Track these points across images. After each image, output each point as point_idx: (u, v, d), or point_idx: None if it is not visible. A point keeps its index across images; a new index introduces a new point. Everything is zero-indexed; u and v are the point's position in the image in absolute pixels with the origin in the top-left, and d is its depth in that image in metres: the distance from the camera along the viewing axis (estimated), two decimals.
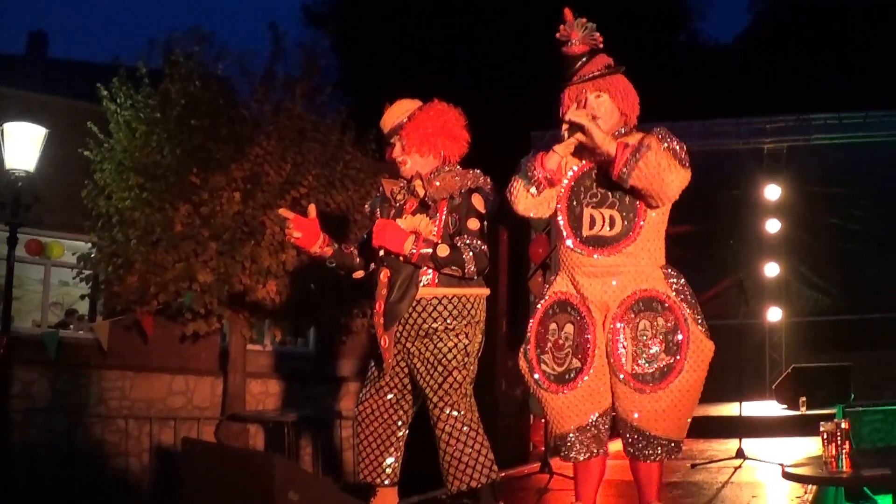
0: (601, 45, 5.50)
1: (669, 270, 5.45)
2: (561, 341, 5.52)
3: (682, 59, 32.67)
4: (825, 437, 5.13)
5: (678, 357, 5.22)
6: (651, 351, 5.26)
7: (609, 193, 5.36)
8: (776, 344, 17.81)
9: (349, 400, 18.22)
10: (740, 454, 9.67)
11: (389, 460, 6.21)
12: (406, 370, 6.15)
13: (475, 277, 5.95)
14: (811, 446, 9.96)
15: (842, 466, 5.03)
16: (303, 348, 20.36)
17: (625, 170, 5.01)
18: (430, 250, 5.84)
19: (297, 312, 15.82)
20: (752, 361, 16.52)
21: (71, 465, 15.67)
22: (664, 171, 5.03)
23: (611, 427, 5.57)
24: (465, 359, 5.95)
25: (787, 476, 5.40)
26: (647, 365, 5.25)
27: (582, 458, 5.52)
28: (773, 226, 17.40)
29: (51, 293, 18.16)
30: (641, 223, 5.33)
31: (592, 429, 5.48)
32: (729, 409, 12.36)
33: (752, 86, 29.75)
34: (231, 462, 5.19)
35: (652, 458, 5.33)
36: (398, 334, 6.04)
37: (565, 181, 5.51)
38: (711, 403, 13.36)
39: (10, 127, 13.89)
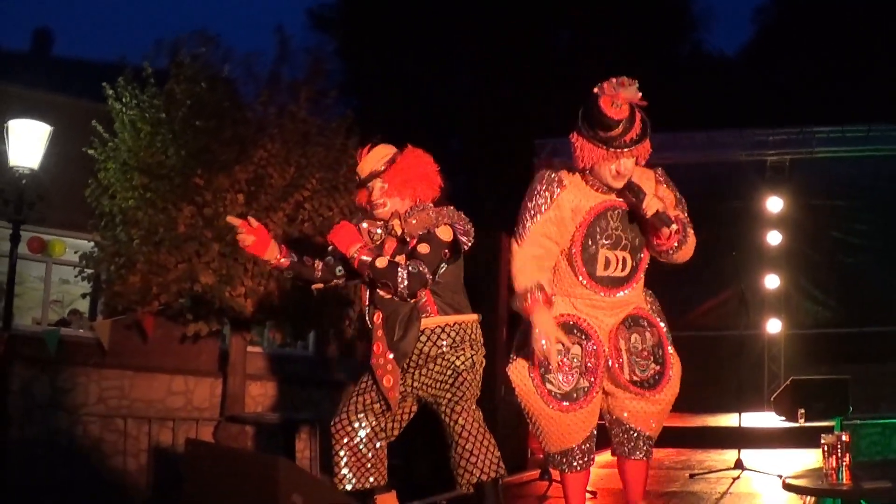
0: (638, 100, 5.46)
1: (647, 294, 6.11)
2: (567, 361, 5.76)
3: (685, 70, 32.66)
4: (826, 449, 5.15)
5: (665, 365, 5.85)
6: (643, 361, 5.82)
7: (622, 236, 5.73)
8: (775, 356, 17.78)
9: None
10: (739, 465, 9.68)
11: (374, 476, 6.35)
12: (416, 397, 6.36)
13: (405, 296, 6.09)
14: (809, 458, 9.99)
15: (842, 479, 5.05)
16: (303, 351, 20.38)
17: (676, 246, 5.63)
18: (370, 259, 6.05)
19: (297, 315, 15.83)
20: (751, 373, 16.53)
21: (69, 464, 15.70)
22: (692, 246, 5.74)
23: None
24: (473, 367, 6.23)
25: (788, 487, 5.42)
26: (641, 373, 5.79)
27: (580, 469, 5.88)
28: (774, 238, 17.37)
29: (51, 291, 18.19)
30: (645, 261, 5.90)
31: (591, 440, 5.88)
32: (728, 420, 12.39)
33: (756, 98, 29.73)
34: (234, 464, 5.21)
35: (638, 455, 5.88)
36: (408, 365, 6.21)
37: (580, 220, 5.69)
38: (711, 414, 13.37)
39: (14, 124, 13.91)
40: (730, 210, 16.98)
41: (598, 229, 5.70)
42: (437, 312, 6.18)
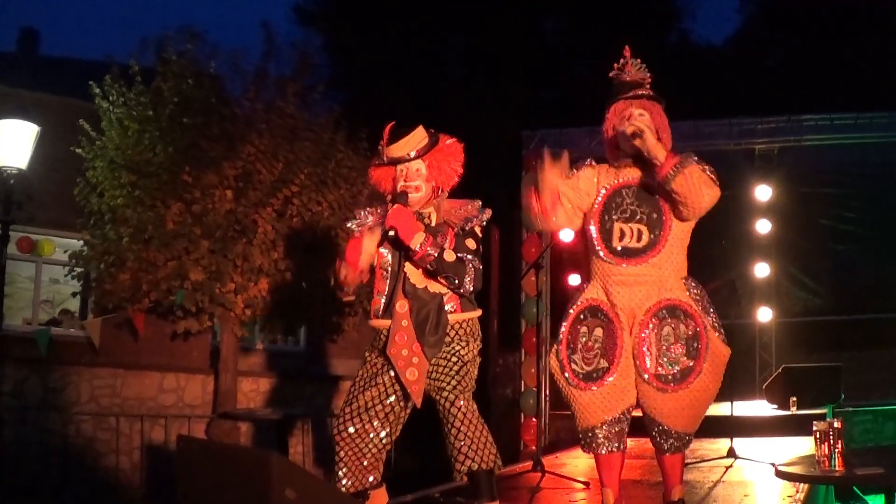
0: (649, 83, 6.22)
1: (690, 281, 6.11)
2: (591, 343, 6.10)
3: (672, 60, 32.60)
4: (818, 436, 5.15)
5: (697, 360, 5.90)
6: (673, 354, 5.92)
7: (638, 210, 6.04)
8: (766, 344, 17.77)
9: (340, 398, 18.22)
10: (731, 453, 9.72)
11: (373, 475, 6.30)
12: (402, 391, 6.23)
13: (468, 293, 6.11)
14: (801, 446, 10.00)
15: (834, 465, 5.05)
16: (294, 347, 20.39)
17: (672, 172, 5.69)
18: (437, 252, 5.93)
19: (288, 311, 15.83)
20: (742, 361, 16.49)
21: (63, 464, 15.68)
22: (704, 183, 5.81)
23: (630, 425, 6.19)
24: (474, 359, 6.26)
25: (781, 475, 5.43)
26: (669, 367, 5.91)
27: (604, 452, 6.10)
28: (763, 226, 17.33)
29: (41, 291, 18.17)
30: (667, 237, 5.99)
31: (616, 425, 6.06)
32: (720, 409, 12.39)
33: (743, 86, 29.70)
34: (227, 459, 5.19)
35: (670, 450, 6.04)
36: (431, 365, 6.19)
37: (599, 198, 6.15)
38: None
39: (2, 124, 13.82)
40: (719, 199, 16.93)
41: (613, 205, 6.09)
42: (461, 309, 6.17)
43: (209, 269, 14.60)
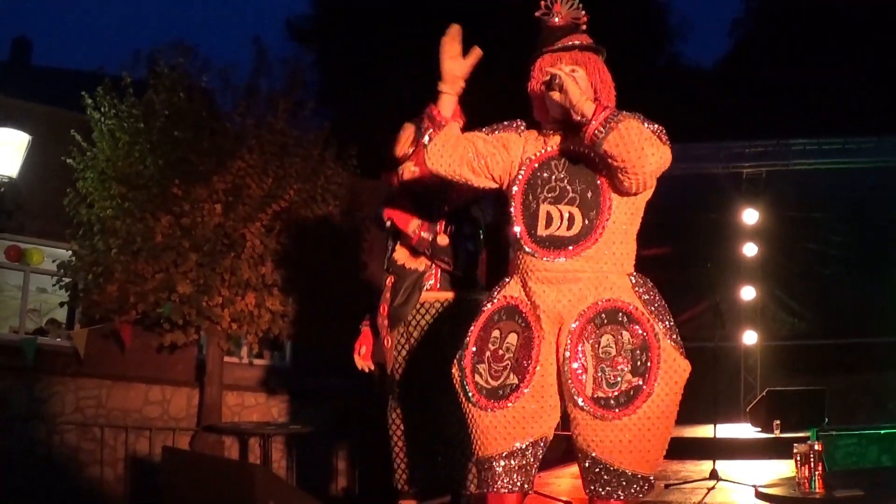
0: (584, 24, 4.85)
1: (638, 278, 4.65)
2: (501, 352, 4.67)
3: (662, 83, 32.70)
4: (798, 458, 5.17)
5: (647, 378, 4.36)
6: (615, 371, 4.41)
7: (569, 188, 4.63)
8: (751, 367, 17.79)
9: (325, 414, 18.21)
10: (714, 475, 9.71)
11: (413, 470, 6.33)
12: (412, 377, 6.30)
13: (461, 274, 6.17)
14: (784, 468, 10.02)
15: (814, 487, 5.07)
16: (280, 361, 20.34)
17: (601, 130, 4.30)
18: (431, 237, 6.12)
19: (274, 325, 15.82)
20: (727, 384, 16.52)
21: (47, 473, 15.63)
22: (645, 140, 4.36)
23: (541, 460, 4.73)
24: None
25: (761, 496, 5.46)
26: (609, 388, 4.39)
27: (504, 491, 4.61)
28: (750, 250, 17.39)
29: (29, 300, 18.15)
30: (605, 223, 4.57)
31: (520, 458, 4.63)
32: (703, 431, 12.40)
33: (732, 110, 29.81)
34: (211, 471, 5.22)
35: (615, 496, 4.43)
36: (403, 338, 6.26)
37: (522, 172, 4.76)
38: (686, 425, 13.41)
39: None
40: (706, 222, 17.01)
41: (539, 181, 4.69)
42: (438, 287, 6.21)
43: (197, 282, 14.62)
